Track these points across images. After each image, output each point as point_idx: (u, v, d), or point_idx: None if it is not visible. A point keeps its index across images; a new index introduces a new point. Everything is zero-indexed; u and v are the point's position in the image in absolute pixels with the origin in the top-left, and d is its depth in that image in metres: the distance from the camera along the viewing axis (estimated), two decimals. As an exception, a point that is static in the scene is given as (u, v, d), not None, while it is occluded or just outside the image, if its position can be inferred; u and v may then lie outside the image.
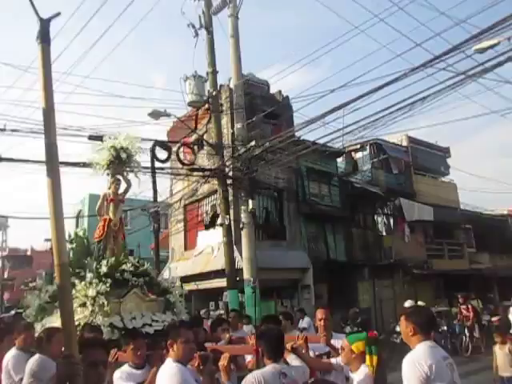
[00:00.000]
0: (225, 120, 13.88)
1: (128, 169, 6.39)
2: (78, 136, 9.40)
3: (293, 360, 3.37)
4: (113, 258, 5.58)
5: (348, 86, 10.24)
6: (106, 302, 4.94)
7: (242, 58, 12.87)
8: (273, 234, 14.87)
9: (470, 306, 12.76)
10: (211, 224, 14.99)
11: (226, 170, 12.30)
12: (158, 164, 13.84)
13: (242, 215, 12.01)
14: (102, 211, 5.97)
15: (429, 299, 16.44)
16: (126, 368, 3.73)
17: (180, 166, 12.94)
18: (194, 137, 14.79)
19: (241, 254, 12.20)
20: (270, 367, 2.99)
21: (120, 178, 6.12)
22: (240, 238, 12.09)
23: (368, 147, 18.69)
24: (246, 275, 11.40)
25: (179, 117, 13.33)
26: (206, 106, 12.91)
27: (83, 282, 5.11)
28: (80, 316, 4.83)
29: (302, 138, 12.76)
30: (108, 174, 6.19)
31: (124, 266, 5.52)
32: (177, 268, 16.20)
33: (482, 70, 8.02)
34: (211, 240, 14.57)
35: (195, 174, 13.31)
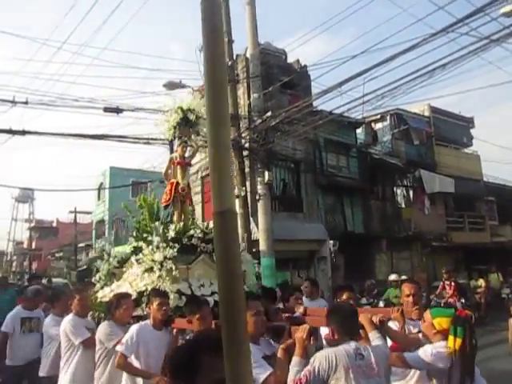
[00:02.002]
0: (241, 91, 13.71)
1: (195, 131, 6.08)
2: (95, 108, 9.41)
3: (375, 339, 2.94)
4: (181, 223, 5.36)
5: (368, 52, 9.94)
6: (173, 267, 4.76)
7: (259, 26, 12.59)
8: (290, 206, 14.83)
9: (452, 284, 11.65)
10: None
11: (242, 141, 12.22)
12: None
13: (259, 187, 11.98)
14: (169, 175, 5.71)
15: (439, 272, 16.32)
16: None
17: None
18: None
19: (257, 226, 12.25)
20: (344, 346, 2.69)
21: (187, 140, 5.83)
22: (256, 210, 12.11)
23: (388, 117, 18.26)
24: (262, 246, 11.45)
25: (195, 88, 13.22)
26: (223, 76, 12.78)
27: (150, 247, 4.95)
28: (147, 281, 4.71)
29: (319, 109, 12.54)
30: (174, 137, 5.94)
31: (192, 232, 5.27)
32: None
33: (508, 34, 7.65)
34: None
35: (211, 145, 13.27)
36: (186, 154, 5.89)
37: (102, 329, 4.01)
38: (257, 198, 11.96)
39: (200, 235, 5.29)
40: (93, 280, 5.75)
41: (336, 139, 15.68)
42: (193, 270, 4.96)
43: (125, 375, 3.73)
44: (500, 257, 20.08)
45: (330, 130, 14.67)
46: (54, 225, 50.64)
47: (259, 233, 11.93)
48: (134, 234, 5.74)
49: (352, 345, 2.69)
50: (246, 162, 12.41)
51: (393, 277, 11.98)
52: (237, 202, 12.51)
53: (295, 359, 2.73)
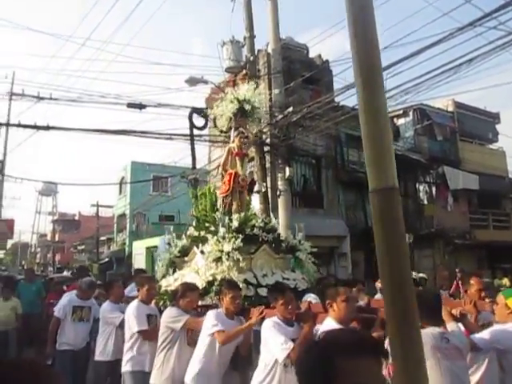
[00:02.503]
0: (262, 86, 13.68)
1: (251, 121, 6.14)
2: (118, 104, 9.54)
3: (453, 330, 3.05)
4: (242, 213, 5.40)
5: (391, 47, 9.81)
6: (241, 258, 4.83)
7: (280, 21, 12.54)
8: (310, 202, 14.79)
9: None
10: (248, 191, 15.07)
11: (264, 136, 12.22)
12: (196, 131, 14.01)
13: (279, 182, 11.98)
14: (227, 166, 5.76)
15: (471, 270, 16.04)
16: (276, 319, 3.48)
17: (217, 132, 12.96)
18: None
19: (277, 222, 12.24)
20: (429, 329, 2.75)
21: (244, 130, 5.82)
22: (277, 206, 12.11)
23: (411, 113, 17.99)
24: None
25: (216, 83, 13.26)
26: (244, 71, 12.78)
27: (215, 237, 4.99)
28: (217, 271, 4.79)
29: (341, 104, 12.43)
30: (231, 128, 5.97)
31: (253, 222, 5.33)
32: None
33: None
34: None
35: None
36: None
37: (168, 313, 4.11)
38: (277, 193, 11.97)
39: (261, 225, 5.34)
40: (155, 268, 5.97)
41: (358, 135, 15.36)
42: (255, 259, 5.04)
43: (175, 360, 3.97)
44: (525, 256, 19.65)
45: (351, 125, 14.54)
46: (77, 218, 51.67)
47: (280, 229, 11.94)
48: (194, 223, 5.82)
49: (437, 329, 2.78)
50: (267, 158, 12.41)
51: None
52: (257, 197, 12.56)
53: None
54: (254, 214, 5.72)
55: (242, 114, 5.72)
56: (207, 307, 4.39)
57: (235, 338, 3.74)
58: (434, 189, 18.23)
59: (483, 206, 19.86)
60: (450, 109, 19.34)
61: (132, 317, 4.44)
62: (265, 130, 12.24)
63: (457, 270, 12.28)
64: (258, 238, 5.12)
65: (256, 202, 12.49)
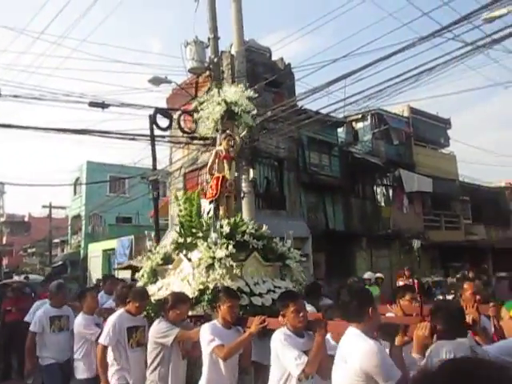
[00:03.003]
0: (226, 87, 13.67)
1: (238, 124, 5.90)
2: (80, 103, 9.23)
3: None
4: (233, 219, 5.15)
5: (351, 55, 10.10)
6: (234, 265, 4.57)
7: (244, 23, 12.56)
8: (273, 204, 14.91)
9: (416, 281, 11.76)
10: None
11: (227, 138, 12.22)
12: (156, 132, 13.78)
13: (243, 184, 11.98)
14: (213, 169, 5.54)
15: (425, 270, 16.74)
16: (286, 330, 3.23)
17: (179, 133, 12.82)
18: (194, 104, 14.59)
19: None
20: (458, 341, 2.61)
21: (231, 133, 5.62)
22: (240, 207, 12.11)
23: (369, 117, 18.53)
24: (246, 244, 11.49)
25: (179, 84, 13.12)
26: (207, 72, 12.71)
27: (205, 243, 4.69)
28: (209, 279, 4.51)
29: (303, 107, 12.62)
30: (217, 130, 5.81)
31: (244, 227, 5.08)
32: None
33: (491, 42, 7.89)
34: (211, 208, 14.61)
35: (195, 142, 13.20)
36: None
37: (157, 328, 3.88)
38: (241, 195, 11.99)
39: (252, 231, 5.13)
40: (113, 272, 5.76)
41: (319, 138, 15.83)
42: (246, 267, 4.84)
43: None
44: (473, 255, 20.71)
45: (313, 128, 14.80)
46: (26, 219, 49.44)
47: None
48: (178, 229, 5.55)
49: (465, 341, 2.67)
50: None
51: (367, 275, 12.13)
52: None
53: (415, 356, 2.75)
54: (242, 219, 5.42)
55: (229, 116, 5.59)
56: (198, 317, 4.24)
57: (237, 351, 3.56)
58: (390, 191, 18.88)
59: (436, 208, 20.77)
60: (406, 114, 20.08)
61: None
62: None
63: (405, 269, 12.80)
64: (249, 244, 4.94)
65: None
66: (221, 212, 5.35)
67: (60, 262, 29.29)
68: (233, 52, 13.63)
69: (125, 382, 4.12)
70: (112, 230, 25.38)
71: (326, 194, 16.16)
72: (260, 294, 4.44)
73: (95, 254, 24.45)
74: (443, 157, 21.96)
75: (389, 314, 4.02)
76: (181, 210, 5.55)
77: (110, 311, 4.93)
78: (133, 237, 21.03)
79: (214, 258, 4.51)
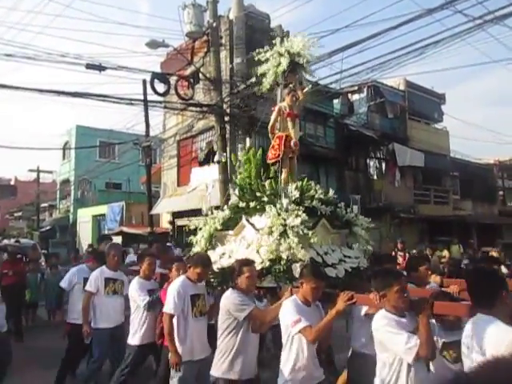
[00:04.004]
0: (223, 54, 13.37)
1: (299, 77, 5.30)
2: (76, 64, 8.93)
3: None
4: (299, 183, 4.78)
5: (352, 27, 9.92)
6: (310, 233, 4.11)
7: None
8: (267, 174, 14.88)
9: (407, 254, 11.69)
10: (206, 161, 14.90)
11: (224, 106, 12.03)
12: (150, 97, 13.49)
13: (239, 153, 11.90)
14: (275, 128, 5.07)
15: (413, 243, 17.03)
16: (386, 313, 2.97)
17: (174, 100, 12.59)
18: (189, 70, 14.29)
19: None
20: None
21: (295, 88, 5.08)
22: (235, 176, 12.08)
23: (365, 90, 18.38)
24: (242, 213, 11.50)
25: (175, 48, 12.78)
26: (205, 37, 12.39)
27: (273, 209, 4.25)
28: (281, 248, 4.09)
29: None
30: (278, 84, 5.20)
31: (313, 192, 4.67)
32: (169, 203, 16.28)
33: (495, 18, 7.79)
34: (205, 177, 14.55)
35: (191, 109, 12.99)
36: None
37: (231, 299, 3.62)
38: (237, 164, 11.92)
39: (321, 196, 4.75)
40: (193, 242, 5.12)
41: (315, 109, 15.68)
42: (314, 235, 4.37)
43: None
44: (461, 229, 21.12)
45: (309, 99, 14.63)
46: (12, 183, 48.75)
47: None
48: (237, 192, 5.13)
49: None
50: (227, 128, 12.28)
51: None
52: (215, 167, 12.45)
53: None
54: (310, 183, 4.93)
55: (292, 69, 5.02)
56: (271, 289, 3.97)
57: (326, 332, 3.28)
58: (383, 164, 18.96)
59: (426, 183, 20.97)
60: (402, 87, 19.95)
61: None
62: (226, 100, 12.05)
63: (398, 241, 12.95)
64: (317, 210, 4.53)
65: (216, 172, 12.42)
66: (284, 175, 4.90)
67: (48, 227, 29.12)
68: (231, 17, 13.27)
69: (189, 355, 3.96)
70: (102, 196, 25.21)
71: (320, 165, 16.16)
72: (333, 265, 4.12)
73: (84, 219, 24.35)
74: (436, 132, 22.02)
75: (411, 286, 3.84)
76: (240, 173, 5.18)
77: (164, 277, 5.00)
78: (123, 203, 20.95)
79: (285, 225, 4.10)
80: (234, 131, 12.64)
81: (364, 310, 3.69)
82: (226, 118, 12.11)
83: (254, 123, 12.94)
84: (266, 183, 4.77)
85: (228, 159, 11.98)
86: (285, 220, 4.11)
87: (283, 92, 5.02)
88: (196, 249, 4.91)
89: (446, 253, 14.96)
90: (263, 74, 5.45)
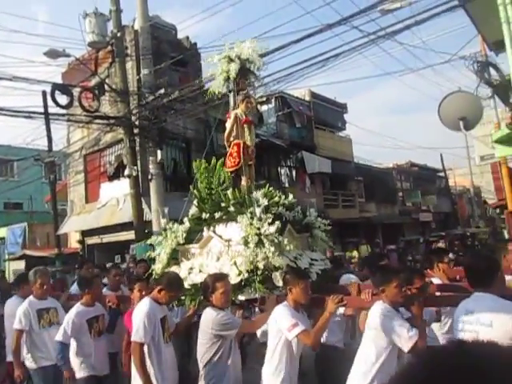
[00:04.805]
0: (129, 64, 13.04)
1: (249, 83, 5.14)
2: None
3: None
4: (263, 190, 4.64)
5: (260, 38, 10.23)
6: (285, 241, 4.05)
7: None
8: (181, 186, 14.70)
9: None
10: (115, 175, 14.35)
11: (133, 118, 11.71)
12: (51, 110, 12.68)
13: (150, 166, 11.65)
14: (231, 136, 4.87)
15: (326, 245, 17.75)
16: (386, 305, 3.13)
17: (78, 112, 11.99)
18: (94, 81, 13.73)
19: (149, 206, 11.95)
20: None
21: (249, 95, 4.93)
22: (147, 190, 11.79)
23: (273, 100, 18.98)
24: (155, 227, 11.24)
25: (77, 58, 12.20)
26: (109, 47, 12.00)
27: (245, 218, 4.11)
28: (258, 258, 3.91)
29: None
30: (230, 91, 5.01)
31: (277, 199, 4.56)
32: (77, 221, 15.39)
33: (388, 34, 8.52)
34: (116, 192, 14.01)
35: (98, 121, 12.47)
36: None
37: (217, 320, 3.41)
38: (149, 177, 11.64)
39: (285, 201, 4.67)
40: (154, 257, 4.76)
41: (225, 119, 15.83)
42: (283, 241, 4.33)
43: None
44: (367, 230, 22.56)
45: (220, 110, 14.77)
46: None
47: (152, 214, 11.67)
48: (196, 202, 4.86)
49: None
50: (137, 141, 11.96)
51: None
52: (126, 181, 12.05)
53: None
54: (271, 189, 4.86)
55: (243, 75, 4.91)
56: (251, 301, 3.88)
57: (322, 335, 3.36)
58: (294, 172, 19.65)
59: (334, 188, 22.11)
60: (307, 98, 20.91)
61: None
62: (134, 112, 11.75)
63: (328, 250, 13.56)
64: (282, 216, 4.45)
65: (126, 186, 12.00)
66: (243, 182, 4.79)
67: None
68: (136, 27, 12.99)
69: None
70: (0, 218, 23.13)
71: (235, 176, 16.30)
72: (305, 269, 4.11)
73: (-19, 243, 22.13)
74: (340, 140, 23.36)
75: (434, 280, 4.08)
76: (201, 182, 4.95)
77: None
78: (26, 224, 19.42)
79: (260, 234, 4.02)
80: (144, 144, 12.33)
81: (342, 309, 3.87)
82: (136, 131, 11.80)
83: (165, 135, 12.79)
84: (229, 192, 4.61)
85: (139, 172, 11.68)
86: (259, 229, 4.02)
87: (237, 99, 4.90)
88: (157, 266, 4.59)
89: (355, 253, 15.87)
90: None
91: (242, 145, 4.76)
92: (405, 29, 8.16)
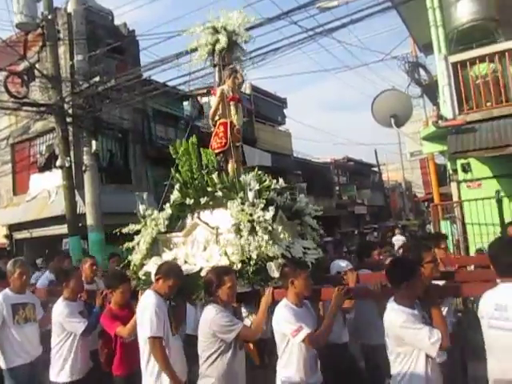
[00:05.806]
0: (62, 49, 12.39)
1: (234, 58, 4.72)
2: None
3: None
4: (253, 173, 4.21)
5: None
6: (280, 228, 3.78)
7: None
8: (117, 178, 14.25)
9: None
10: (47, 166, 13.62)
11: (66, 106, 11.14)
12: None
13: (85, 157, 11.18)
14: (217, 114, 4.49)
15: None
16: (399, 306, 2.82)
17: (5, 98, 11.21)
18: (23, 65, 12.92)
19: (83, 199, 11.49)
20: None
21: (237, 69, 4.52)
22: (81, 182, 11.32)
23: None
24: (90, 221, 10.83)
25: (3, 40, 11.40)
26: (39, 30, 11.31)
27: (235, 203, 3.78)
28: (251, 247, 3.60)
29: (150, 78, 12.22)
30: (215, 65, 4.60)
31: (268, 183, 4.24)
32: (4, 215, 14.47)
33: (325, 31, 8.72)
34: (47, 184, 13.31)
35: (26, 108, 11.73)
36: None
37: (217, 319, 3.17)
38: (83, 169, 11.16)
39: (277, 186, 4.40)
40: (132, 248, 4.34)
41: (165, 110, 15.55)
42: (283, 230, 4.06)
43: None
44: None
45: (159, 101, 14.48)
46: None
47: (86, 207, 11.20)
48: (178, 187, 4.43)
49: None
50: (70, 130, 11.40)
51: None
52: (58, 173, 11.46)
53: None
54: (260, 173, 4.48)
55: (230, 48, 4.55)
56: (242, 294, 3.53)
57: (329, 333, 3.15)
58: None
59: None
60: (248, 91, 20.97)
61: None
62: (67, 99, 11.18)
63: None
64: (273, 202, 4.10)
65: (58, 178, 11.42)
66: (230, 165, 4.44)
67: None
68: (70, 10, 12.32)
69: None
70: None
71: (173, 168, 16.06)
72: (300, 259, 3.86)
73: None
74: (280, 134, 23.70)
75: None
76: (182, 165, 4.50)
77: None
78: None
79: (252, 220, 3.70)
80: (77, 133, 11.78)
81: None
82: (68, 119, 11.22)
83: (101, 125, 12.30)
84: (214, 176, 4.24)
85: (72, 163, 11.15)
86: (251, 215, 3.71)
87: (223, 74, 4.54)
88: (136, 256, 4.25)
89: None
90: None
91: (228, 124, 4.44)
92: (341, 26, 8.37)
